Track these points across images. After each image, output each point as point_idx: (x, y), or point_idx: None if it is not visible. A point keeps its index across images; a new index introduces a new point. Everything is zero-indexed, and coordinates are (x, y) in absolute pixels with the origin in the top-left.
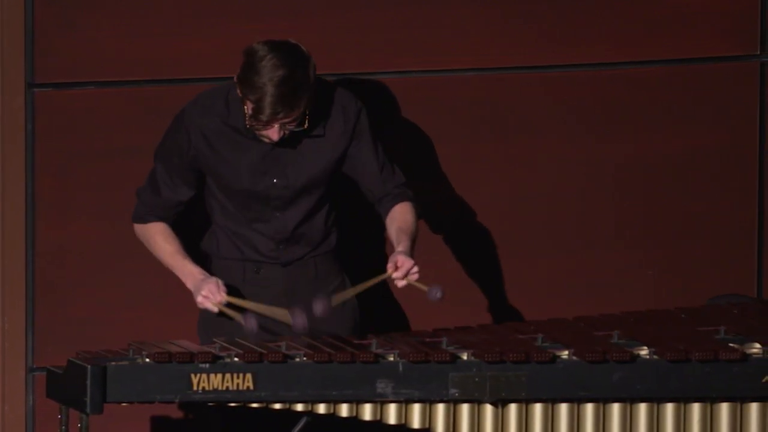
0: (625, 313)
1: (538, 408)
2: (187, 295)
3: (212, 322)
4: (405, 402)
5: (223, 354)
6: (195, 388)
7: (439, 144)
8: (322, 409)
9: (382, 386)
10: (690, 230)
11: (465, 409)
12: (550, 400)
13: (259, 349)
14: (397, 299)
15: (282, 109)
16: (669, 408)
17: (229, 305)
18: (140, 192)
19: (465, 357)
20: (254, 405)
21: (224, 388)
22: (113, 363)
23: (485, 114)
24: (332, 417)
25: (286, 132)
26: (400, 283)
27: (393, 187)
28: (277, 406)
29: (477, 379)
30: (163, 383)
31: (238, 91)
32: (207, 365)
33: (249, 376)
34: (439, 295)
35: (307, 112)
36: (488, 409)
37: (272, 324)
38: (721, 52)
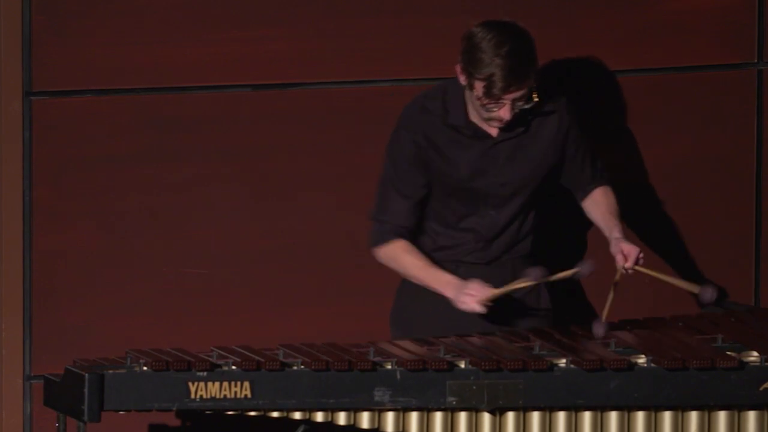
0: (622, 321)
1: (535, 416)
2: (185, 302)
3: (411, 319)
4: (402, 410)
5: (220, 362)
6: (192, 396)
7: None
8: (319, 417)
9: (380, 394)
10: (687, 238)
11: (462, 417)
12: (548, 408)
13: (257, 357)
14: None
15: (514, 81)
16: (666, 416)
17: (494, 300)
18: (373, 216)
19: (462, 365)
20: (252, 413)
21: (222, 396)
22: (111, 371)
23: None
24: (330, 425)
25: (517, 111)
26: (631, 271)
27: (596, 175)
28: (275, 414)
29: (474, 387)
30: (160, 391)
31: (463, 78)
32: (204, 373)
33: (246, 384)
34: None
35: (534, 87)
36: (486, 417)
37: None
38: (719, 60)
